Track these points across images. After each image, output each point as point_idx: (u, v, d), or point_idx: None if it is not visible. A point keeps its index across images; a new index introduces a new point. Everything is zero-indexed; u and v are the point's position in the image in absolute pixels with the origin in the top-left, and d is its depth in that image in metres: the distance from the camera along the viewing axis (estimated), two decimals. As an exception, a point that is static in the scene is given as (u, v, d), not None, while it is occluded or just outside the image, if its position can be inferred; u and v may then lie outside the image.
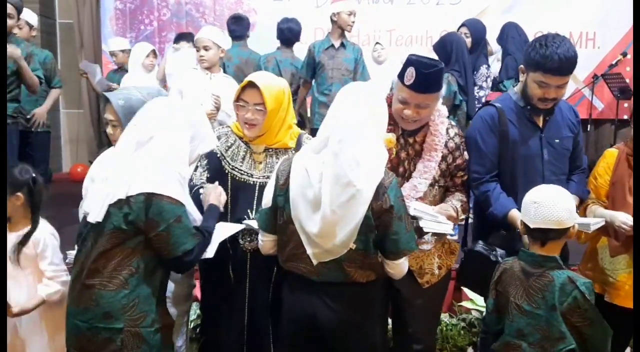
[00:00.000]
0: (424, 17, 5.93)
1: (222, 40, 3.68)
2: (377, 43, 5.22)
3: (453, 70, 3.76)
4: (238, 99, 2.15)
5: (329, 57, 4.39)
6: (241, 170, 2.19)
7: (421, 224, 2.00)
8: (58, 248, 2.30)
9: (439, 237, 2.19)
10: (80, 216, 2.32)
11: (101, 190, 1.81)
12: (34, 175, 2.27)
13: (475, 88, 4.06)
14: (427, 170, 2.13)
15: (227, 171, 2.19)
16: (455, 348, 3.03)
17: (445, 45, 3.84)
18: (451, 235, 2.27)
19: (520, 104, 2.26)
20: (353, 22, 4.38)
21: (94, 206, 1.80)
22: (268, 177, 2.13)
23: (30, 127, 4.15)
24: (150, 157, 1.81)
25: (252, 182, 2.18)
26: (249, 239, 2.14)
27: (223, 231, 2.03)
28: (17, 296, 2.20)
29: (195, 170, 2.24)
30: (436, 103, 2.11)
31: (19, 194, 2.22)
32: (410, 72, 2.01)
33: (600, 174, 2.34)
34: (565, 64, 2.08)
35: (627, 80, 5.55)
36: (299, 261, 1.86)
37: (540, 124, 2.25)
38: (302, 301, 1.89)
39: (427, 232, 2.05)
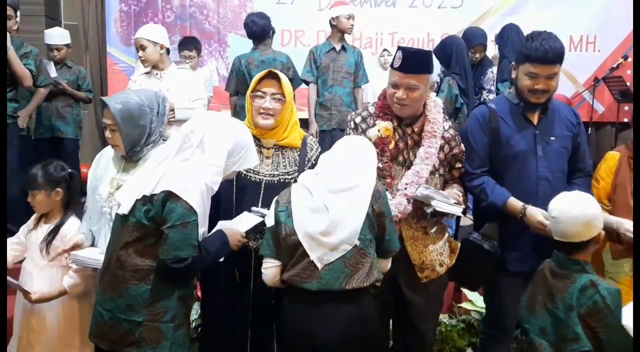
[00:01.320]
0: (425, 20, 5.93)
1: (157, 36, 3.54)
2: (384, 49, 5.25)
3: (454, 73, 3.79)
4: (254, 90, 2.20)
5: (330, 60, 4.45)
6: (248, 168, 2.22)
7: (433, 203, 2.09)
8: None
9: (439, 219, 2.25)
10: (85, 217, 2.37)
11: (134, 185, 1.88)
12: (69, 170, 2.37)
13: (484, 92, 4.11)
14: (428, 156, 2.20)
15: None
16: (454, 349, 3.06)
17: (445, 49, 3.88)
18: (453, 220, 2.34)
19: (514, 102, 2.32)
20: (352, 25, 4.46)
21: (125, 199, 1.88)
22: (274, 175, 2.21)
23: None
24: (186, 163, 1.87)
25: (258, 180, 2.21)
26: (253, 238, 2.17)
27: (248, 220, 2.08)
28: (39, 285, 2.28)
29: None
30: (426, 87, 2.20)
31: (58, 189, 2.33)
32: (399, 55, 2.15)
33: (602, 177, 2.35)
34: (550, 53, 2.15)
35: (628, 84, 5.57)
36: (300, 268, 1.91)
37: (535, 122, 2.30)
38: (301, 322, 1.91)
39: (439, 213, 2.14)
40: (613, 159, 2.35)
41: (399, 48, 2.17)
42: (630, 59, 5.65)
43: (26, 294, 2.23)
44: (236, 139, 1.95)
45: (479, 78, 4.18)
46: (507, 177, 2.28)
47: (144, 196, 1.83)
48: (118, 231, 1.90)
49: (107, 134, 2.15)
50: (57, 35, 4.75)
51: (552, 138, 2.28)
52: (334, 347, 1.88)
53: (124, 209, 1.86)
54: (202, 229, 1.89)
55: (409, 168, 2.21)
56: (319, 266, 1.88)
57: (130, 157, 2.19)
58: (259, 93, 2.19)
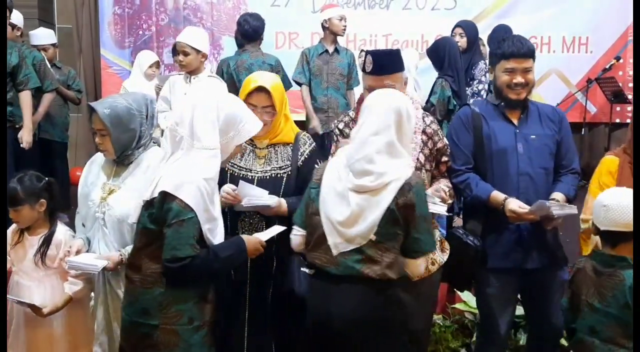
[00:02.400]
0: (419, 22, 5.96)
1: (202, 45, 3.65)
2: (361, 50, 5.25)
3: (447, 75, 3.81)
4: (245, 102, 2.19)
5: (323, 63, 4.47)
6: (240, 166, 2.25)
7: None
8: None
9: None
10: (77, 223, 2.35)
11: (138, 192, 1.90)
12: (46, 178, 2.34)
13: (475, 82, 4.10)
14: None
15: (226, 169, 2.24)
16: (448, 350, 3.06)
17: (438, 50, 3.90)
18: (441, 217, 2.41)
19: (495, 103, 2.39)
20: (344, 26, 4.47)
21: (134, 208, 1.90)
22: (266, 171, 2.24)
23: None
24: (181, 159, 1.86)
25: (250, 177, 2.23)
26: (248, 233, 2.17)
27: (272, 229, 2.09)
28: (42, 297, 2.27)
29: None
30: (401, 84, 2.24)
31: (42, 200, 2.30)
32: (369, 60, 2.20)
33: (607, 183, 2.31)
34: (523, 47, 2.27)
35: (620, 84, 5.61)
36: (321, 251, 1.94)
37: (516, 121, 2.37)
38: (320, 298, 1.95)
39: None
40: (613, 164, 2.33)
41: (367, 52, 2.22)
42: (622, 61, 5.70)
43: (37, 310, 2.21)
44: (224, 114, 1.89)
45: (471, 68, 4.16)
46: (489, 174, 2.34)
47: (146, 201, 1.85)
48: (133, 238, 1.93)
49: (98, 139, 2.14)
50: (42, 36, 4.71)
51: (533, 136, 2.34)
52: (349, 327, 1.89)
53: (133, 218, 1.88)
54: (208, 225, 1.85)
55: None
56: (334, 252, 1.90)
57: (122, 161, 2.18)
58: (249, 107, 2.19)
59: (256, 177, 2.23)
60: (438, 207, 2.14)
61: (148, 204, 1.84)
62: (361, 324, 1.89)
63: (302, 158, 2.28)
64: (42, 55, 4.21)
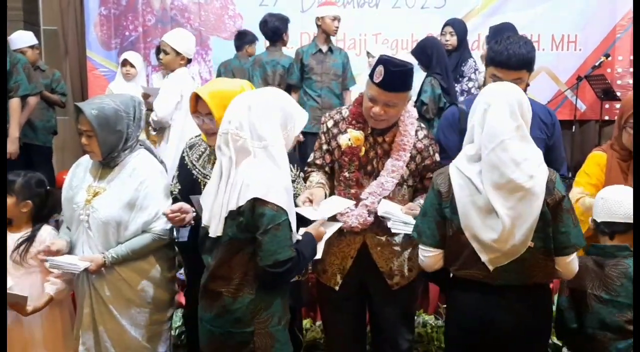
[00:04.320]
0: (409, 20, 5.95)
1: (183, 47, 3.64)
2: (368, 52, 5.23)
3: (435, 73, 3.79)
4: (195, 110, 2.14)
5: (317, 62, 4.37)
6: (205, 173, 2.19)
7: (389, 224, 2.05)
8: None
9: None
10: (62, 227, 2.30)
11: (218, 204, 1.82)
12: (48, 188, 2.34)
13: (464, 79, 4.08)
14: (395, 169, 2.16)
15: (199, 180, 2.20)
16: (440, 350, 3.04)
17: (425, 50, 3.87)
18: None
19: None
20: (337, 27, 4.38)
21: (213, 221, 1.83)
22: None
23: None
24: (255, 165, 1.79)
25: None
26: None
27: (332, 207, 2.04)
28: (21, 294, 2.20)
29: (172, 179, 2.27)
30: (404, 103, 2.15)
31: (28, 201, 2.29)
32: (380, 70, 2.05)
33: (593, 172, 2.32)
34: (513, 59, 2.13)
35: (609, 81, 5.64)
36: (474, 268, 1.87)
37: None
38: (478, 305, 1.88)
39: (396, 234, 2.10)
40: (602, 158, 2.32)
41: (381, 61, 2.07)
42: (611, 58, 5.72)
43: (21, 307, 2.15)
44: (280, 108, 1.85)
45: (460, 65, 4.13)
46: None
47: (231, 212, 1.79)
48: (214, 249, 1.86)
49: (84, 140, 2.12)
50: (18, 39, 4.60)
51: None
52: (513, 334, 1.85)
53: (216, 231, 1.82)
54: (294, 222, 1.84)
55: (376, 178, 2.17)
56: (491, 267, 1.84)
57: (108, 163, 2.16)
58: (197, 113, 2.14)
59: None
60: (410, 228, 2.03)
61: (234, 214, 1.78)
62: (528, 332, 1.85)
63: None
64: (26, 59, 4.14)
